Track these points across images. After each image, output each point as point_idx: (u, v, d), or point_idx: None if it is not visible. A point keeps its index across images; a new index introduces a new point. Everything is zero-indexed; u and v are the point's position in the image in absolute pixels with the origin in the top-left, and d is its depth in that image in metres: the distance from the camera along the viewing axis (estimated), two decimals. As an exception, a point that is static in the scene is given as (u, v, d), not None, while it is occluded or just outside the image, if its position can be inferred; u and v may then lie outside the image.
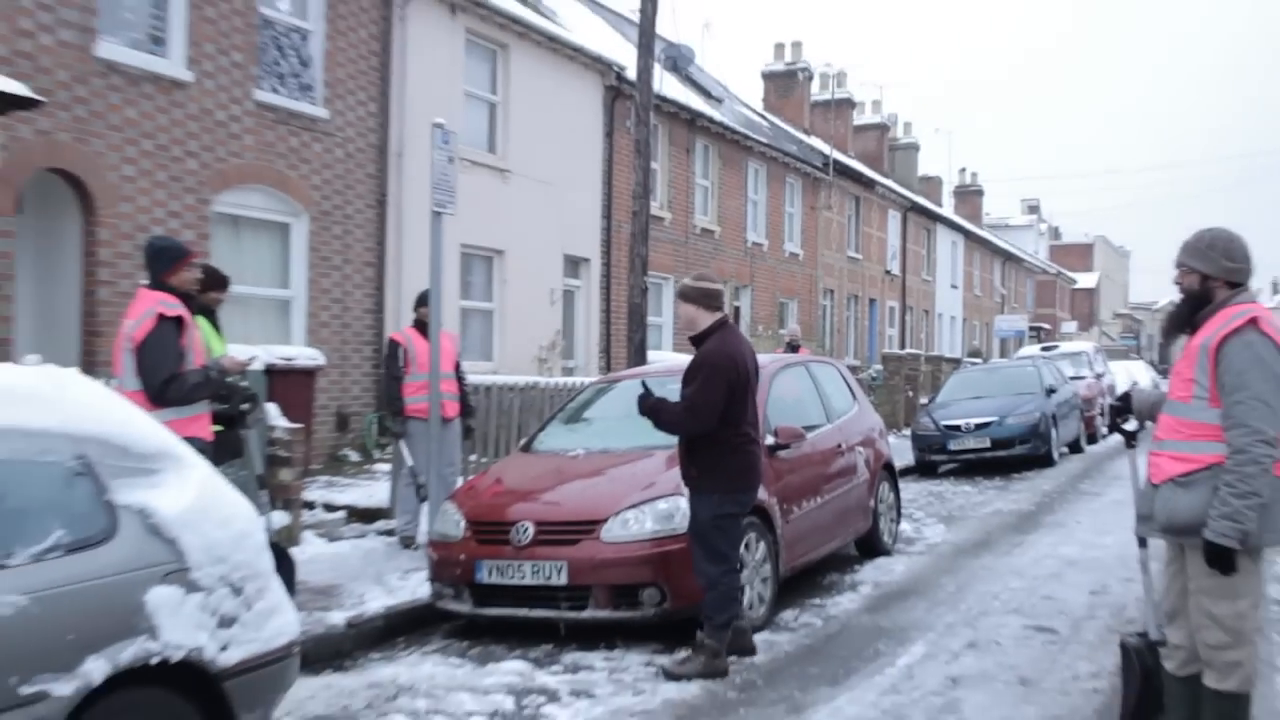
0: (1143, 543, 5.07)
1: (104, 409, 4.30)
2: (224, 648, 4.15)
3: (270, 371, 12.31)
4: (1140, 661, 4.87)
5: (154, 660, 3.90)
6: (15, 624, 3.64)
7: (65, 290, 11.97)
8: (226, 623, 4.18)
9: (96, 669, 3.78)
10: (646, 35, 14.34)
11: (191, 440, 6.84)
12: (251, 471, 9.25)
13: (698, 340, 6.89)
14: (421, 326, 10.03)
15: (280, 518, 9.14)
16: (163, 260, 7.02)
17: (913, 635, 7.32)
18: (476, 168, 18.13)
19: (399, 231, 16.30)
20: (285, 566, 8.53)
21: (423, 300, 10.14)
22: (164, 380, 6.56)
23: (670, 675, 6.45)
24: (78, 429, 4.10)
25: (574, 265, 21.34)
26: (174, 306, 6.82)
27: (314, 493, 11.67)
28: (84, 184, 12.10)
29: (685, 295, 6.92)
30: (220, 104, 13.70)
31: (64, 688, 3.69)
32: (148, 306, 6.78)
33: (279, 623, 4.45)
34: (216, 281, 8.43)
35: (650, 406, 6.85)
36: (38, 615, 3.69)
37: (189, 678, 4.07)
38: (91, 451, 4.10)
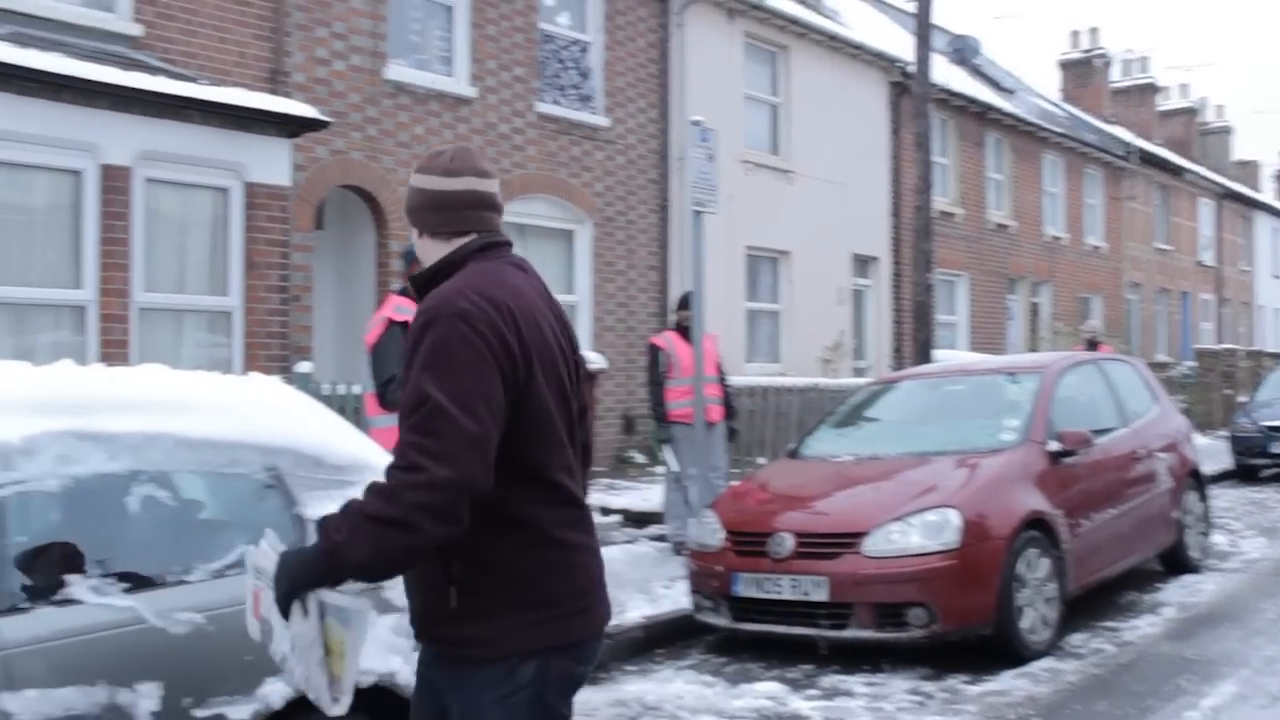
0: None
1: (299, 419, 4.10)
2: None
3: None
4: None
5: None
6: (190, 643, 3.51)
7: (363, 301, 12.51)
8: None
9: (275, 692, 3.62)
10: (923, 26, 13.90)
11: None
12: None
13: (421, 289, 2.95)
14: (683, 330, 9.90)
15: None
16: (405, 265, 7.23)
17: (1223, 670, 6.48)
18: (760, 169, 18.04)
19: (681, 235, 16.33)
20: None
21: (684, 303, 10.03)
22: (384, 382, 6.71)
23: None
24: (270, 440, 3.93)
25: (863, 264, 20.93)
26: (405, 311, 6.96)
27: (592, 496, 11.65)
28: (376, 199, 12.65)
29: (407, 204, 3.00)
30: (503, 117, 14.09)
31: (240, 711, 3.57)
32: (382, 311, 7.00)
33: None
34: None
35: (299, 558, 2.58)
36: (214, 634, 3.55)
37: (376, 698, 3.79)
38: (283, 463, 3.91)
